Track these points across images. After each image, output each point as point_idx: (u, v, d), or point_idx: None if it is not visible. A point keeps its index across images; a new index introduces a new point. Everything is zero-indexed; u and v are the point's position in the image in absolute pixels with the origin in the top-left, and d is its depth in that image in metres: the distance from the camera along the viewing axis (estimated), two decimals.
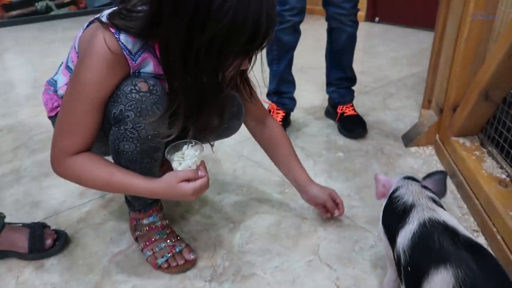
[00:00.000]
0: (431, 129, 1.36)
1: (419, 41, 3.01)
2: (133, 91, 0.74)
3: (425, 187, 0.75)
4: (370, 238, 0.99)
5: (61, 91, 0.86)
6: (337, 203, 1.03)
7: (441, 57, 1.35)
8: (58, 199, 1.18)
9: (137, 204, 0.94)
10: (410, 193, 0.73)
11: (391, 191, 0.79)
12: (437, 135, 1.36)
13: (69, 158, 0.76)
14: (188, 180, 0.75)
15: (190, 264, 0.91)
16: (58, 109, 0.84)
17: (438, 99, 1.36)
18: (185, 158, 0.79)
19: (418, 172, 1.24)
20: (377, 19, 3.78)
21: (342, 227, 1.03)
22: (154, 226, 0.95)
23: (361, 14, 3.77)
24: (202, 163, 0.80)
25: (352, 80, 1.58)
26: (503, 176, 1.02)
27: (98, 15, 0.75)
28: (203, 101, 0.76)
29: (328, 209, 1.03)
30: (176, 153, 0.81)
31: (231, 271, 0.90)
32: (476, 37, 1.12)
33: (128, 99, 0.73)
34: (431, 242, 0.61)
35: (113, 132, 0.78)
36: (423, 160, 1.32)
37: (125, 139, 0.77)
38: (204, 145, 0.82)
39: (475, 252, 0.58)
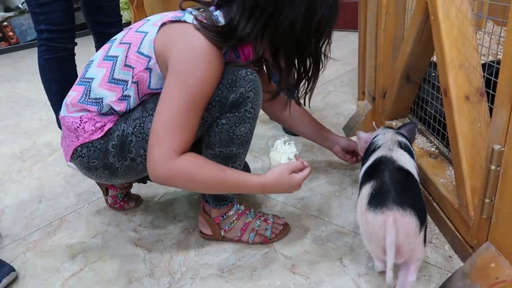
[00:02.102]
0: (367, 117, 1.45)
1: (350, 42, 3.17)
2: (248, 73, 0.80)
3: (399, 133, 0.93)
4: (321, 224, 1.03)
5: (116, 107, 0.83)
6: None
7: (366, 50, 1.44)
8: (2, 233, 1.12)
9: (223, 200, 0.97)
10: (383, 138, 0.91)
11: (372, 138, 0.96)
12: (373, 121, 1.44)
13: (177, 158, 0.75)
14: (295, 172, 0.83)
15: (287, 227, 1.01)
16: (102, 130, 0.85)
17: (369, 89, 1.45)
18: (284, 151, 0.88)
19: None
20: None
21: (294, 217, 1.07)
22: (241, 212, 0.99)
23: None
24: (299, 156, 0.90)
25: None
26: (433, 149, 1.10)
27: (174, 17, 0.79)
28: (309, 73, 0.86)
29: (354, 148, 1.16)
30: (271, 148, 0.90)
31: (189, 275, 0.90)
32: (392, 27, 1.21)
33: (247, 81, 0.80)
34: (373, 169, 0.81)
35: (228, 120, 0.82)
36: None
37: (242, 122, 0.83)
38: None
39: (399, 174, 0.77)
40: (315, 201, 1.13)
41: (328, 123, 1.64)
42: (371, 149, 0.91)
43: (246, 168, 1.10)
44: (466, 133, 0.80)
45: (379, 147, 0.89)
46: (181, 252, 0.98)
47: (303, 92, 0.90)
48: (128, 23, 4.60)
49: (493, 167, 0.67)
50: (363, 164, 0.90)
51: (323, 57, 0.84)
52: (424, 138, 1.17)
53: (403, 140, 0.91)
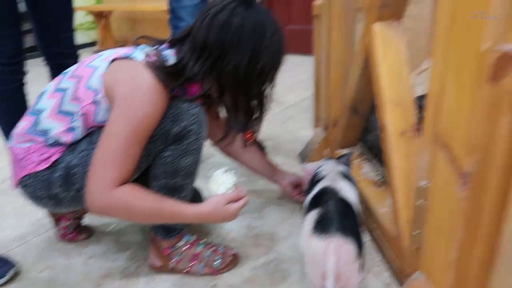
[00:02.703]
0: (321, 145, 1.50)
1: (313, 67, 3.28)
2: (191, 106, 0.84)
3: (340, 164, 1.00)
4: (271, 253, 1.05)
5: (63, 138, 0.85)
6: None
7: (321, 80, 1.50)
8: None
9: (172, 231, 0.97)
10: (326, 169, 0.96)
11: (316, 170, 1.01)
12: (327, 149, 1.49)
13: (115, 189, 0.76)
14: (232, 202, 0.87)
15: (236, 257, 1.02)
16: (48, 161, 0.85)
17: (323, 118, 1.50)
18: (222, 182, 0.90)
19: None
20: None
21: (245, 246, 1.09)
22: (191, 243, 1.00)
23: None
24: (237, 186, 0.93)
25: None
26: (378, 178, 1.16)
27: (124, 54, 0.82)
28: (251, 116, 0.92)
29: (301, 183, 1.19)
30: (210, 179, 0.92)
31: None
32: (343, 61, 1.28)
33: (190, 114, 0.83)
34: (318, 198, 0.86)
35: (171, 152, 0.84)
36: None
37: (186, 154, 0.85)
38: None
39: (342, 204, 0.82)
40: (267, 229, 1.16)
41: (285, 150, 1.69)
42: (315, 179, 0.95)
43: (197, 195, 1.12)
44: (401, 167, 0.85)
45: (323, 177, 0.93)
46: (130, 285, 0.97)
47: (250, 131, 0.95)
48: (95, 43, 4.57)
49: (419, 202, 0.72)
50: (308, 193, 0.94)
51: (266, 100, 0.90)
52: (371, 167, 1.22)
53: (345, 170, 0.97)
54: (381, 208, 1.00)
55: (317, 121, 1.67)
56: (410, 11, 1.02)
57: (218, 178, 0.90)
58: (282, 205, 1.28)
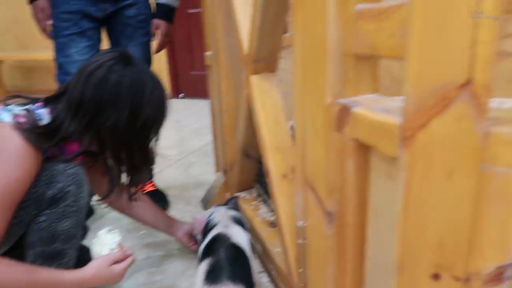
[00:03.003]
0: (222, 189, 1.52)
1: None
2: (68, 167, 0.80)
3: (231, 209, 1.02)
4: None
5: None
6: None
7: (216, 126, 1.55)
8: None
9: None
10: (218, 216, 0.97)
11: (207, 218, 1.01)
12: (227, 193, 1.52)
13: None
14: (117, 262, 0.83)
15: None
16: None
17: (221, 162, 1.54)
18: (106, 243, 0.86)
19: None
20: (182, 95, 4.08)
21: None
22: None
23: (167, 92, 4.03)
24: (122, 245, 0.88)
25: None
26: (273, 218, 1.20)
27: None
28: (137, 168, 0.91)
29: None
30: (93, 240, 0.87)
31: None
32: (232, 109, 1.33)
33: (66, 175, 0.80)
34: (210, 247, 0.86)
35: (47, 217, 0.78)
36: None
37: (64, 217, 0.80)
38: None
39: (233, 251, 0.83)
40: (167, 283, 1.12)
41: (189, 196, 1.68)
42: (208, 227, 0.96)
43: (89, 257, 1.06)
44: (285, 208, 0.90)
45: (215, 224, 0.94)
46: None
47: (135, 185, 0.94)
48: None
49: (300, 241, 0.77)
50: (202, 243, 0.94)
51: (151, 153, 0.91)
52: (267, 208, 1.27)
53: (236, 214, 0.99)
54: (275, 248, 1.04)
55: (217, 165, 1.70)
56: (285, 65, 1.12)
57: (102, 239, 0.87)
58: (182, 256, 1.26)
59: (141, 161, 0.90)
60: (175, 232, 1.20)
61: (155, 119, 0.86)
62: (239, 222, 0.96)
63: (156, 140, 0.91)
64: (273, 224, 1.17)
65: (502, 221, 0.42)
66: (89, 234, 1.21)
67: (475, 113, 0.40)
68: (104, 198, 0.97)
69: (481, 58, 0.38)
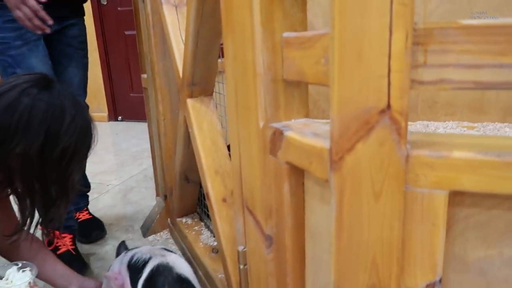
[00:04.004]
0: (162, 214, 1.47)
1: None
2: None
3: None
4: None
5: None
6: None
7: (155, 150, 1.51)
8: None
9: None
10: (145, 252, 0.88)
11: (126, 264, 0.89)
12: (168, 218, 1.47)
13: None
14: None
15: None
16: None
17: (161, 187, 1.49)
18: (14, 283, 0.73)
19: None
20: (120, 117, 3.95)
21: None
22: None
23: (104, 115, 3.88)
24: (34, 284, 0.76)
25: (87, 186, 1.57)
26: (215, 243, 1.18)
27: None
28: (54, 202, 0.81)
29: None
30: (1, 280, 0.74)
31: None
32: (171, 132, 1.31)
33: None
34: (151, 282, 0.81)
35: None
36: (161, 245, 1.40)
37: None
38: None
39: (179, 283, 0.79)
40: None
41: (128, 223, 1.61)
42: (139, 265, 0.86)
43: None
44: (226, 233, 0.89)
45: (150, 258, 0.86)
46: None
47: (52, 222, 0.86)
48: None
49: (241, 266, 0.75)
50: (136, 281, 0.84)
51: (72, 186, 0.82)
52: (209, 232, 1.25)
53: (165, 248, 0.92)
54: (218, 274, 1.02)
55: (157, 190, 1.65)
56: (221, 89, 1.12)
57: (12, 277, 0.75)
58: None
59: (58, 195, 0.81)
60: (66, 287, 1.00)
61: (76, 148, 0.78)
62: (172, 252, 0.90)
63: (79, 171, 0.83)
64: (216, 250, 1.14)
65: (428, 240, 0.44)
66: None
67: (395, 138, 0.42)
68: (8, 237, 0.83)
69: (396, 86, 0.41)
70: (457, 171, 0.41)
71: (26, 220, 0.81)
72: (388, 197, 0.44)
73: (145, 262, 0.87)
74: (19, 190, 0.78)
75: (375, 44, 0.40)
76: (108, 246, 1.44)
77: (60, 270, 1.00)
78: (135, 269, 0.87)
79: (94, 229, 1.49)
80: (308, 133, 0.52)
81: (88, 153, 0.84)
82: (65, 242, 1.32)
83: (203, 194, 1.30)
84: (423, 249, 0.45)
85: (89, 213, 1.56)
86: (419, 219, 0.44)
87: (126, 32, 3.59)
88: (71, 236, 1.35)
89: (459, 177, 0.41)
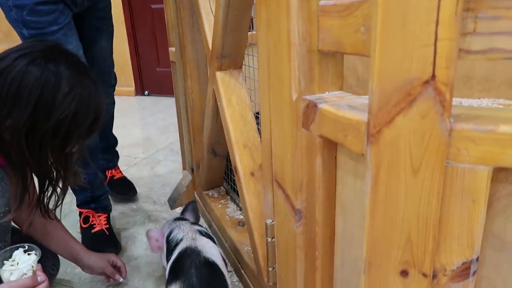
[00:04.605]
0: (189, 187, 1.49)
1: None
2: None
3: (193, 223, 0.96)
4: None
5: None
6: (118, 267, 1.05)
7: (182, 124, 1.52)
8: None
9: None
10: (181, 231, 0.91)
11: (165, 236, 0.94)
12: (195, 191, 1.49)
13: None
14: None
15: None
16: None
17: (188, 160, 1.51)
18: (19, 265, 0.73)
19: None
20: (146, 92, 3.98)
21: None
22: None
23: (131, 89, 3.93)
24: (39, 267, 0.75)
25: (115, 144, 1.66)
26: (242, 217, 1.19)
27: None
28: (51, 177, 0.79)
29: (109, 275, 1.04)
30: (5, 261, 0.74)
31: None
32: (199, 107, 1.31)
33: None
34: (179, 264, 0.81)
35: None
36: None
37: None
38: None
39: (206, 270, 0.80)
40: (137, 285, 1.09)
41: (155, 195, 1.64)
42: (172, 245, 0.90)
43: None
44: (254, 206, 0.89)
45: (181, 239, 0.89)
46: None
47: (53, 205, 0.84)
48: None
49: (269, 239, 0.76)
50: (168, 260, 0.89)
51: (70, 163, 0.79)
52: (235, 206, 1.26)
53: (202, 229, 0.95)
54: (244, 247, 1.03)
55: (184, 164, 1.67)
56: (251, 62, 1.10)
57: (17, 260, 0.75)
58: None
59: (56, 170, 0.77)
60: (82, 266, 1.03)
61: (73, 122, 0.72)
62: (207, 235, 0.92)
63: (79, 148, 0.79)
64: (242, 223, 1.15)
65: (467, 217, 0.43)
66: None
67: (439, 110, 0.40)
68: (14, 210, 0.79)
69: (443, 56, 0.38)
70: (502, 146, 0.39)
71: (23, 192, 0.77)
72: (427, 172, 0.42)
73: (177, 244, 0.88)
74: (16, 163, 0.74)
75: (422, 9, 0.38)
76: (137, 217, 1.47)
77: (73, 245, 1.02)
78: (168, 247, 0.91)
79: (131, 188, 1.62)
80: (343, 106, 0.51)
81: (93, 131, 0.78)
82: (100, 221, 1.34)
83: (230, 168, 1.31)
84: (461, 226, 0.44)
85: (121, 171, 1.65)
86: (459, 195, 0.43)
87: (153, 6, 3.58)
88: (105, 215, 1.37)
89: (505, 152, 0.39)
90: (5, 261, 0.74)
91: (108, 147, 1.62)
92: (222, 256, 0.88)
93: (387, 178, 0.45)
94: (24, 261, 0.74)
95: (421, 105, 0.40)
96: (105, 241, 1.27)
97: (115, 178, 1.64)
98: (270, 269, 0.78)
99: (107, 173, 1.64)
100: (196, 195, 1.48)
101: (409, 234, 0.46)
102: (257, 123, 0.91)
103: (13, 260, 0.75)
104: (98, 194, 1.38)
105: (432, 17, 0.37)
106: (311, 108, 0.55)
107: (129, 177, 1.81)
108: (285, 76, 0.58)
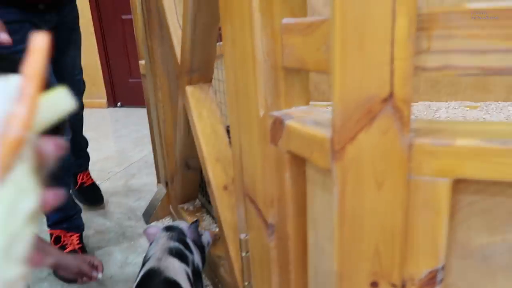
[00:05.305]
0: (163, 201, 1.48)
1: None
2: None
3: (173, 238, 0.91)
4: None
5: None
6: (96, 266, 1.00)
7: (155, 137, 1.50)
8: None
9: None
10: (154, 247, 0.89)
11: (149, 246, 0.93)
12: (170, 205, 1.48)
13: None
14: None
15: None
16: None
17: (162, 174, 1.49)
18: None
19: None
20: (119, 104, 3.93)
21: None
22: None
23: (103, 101, 3.86)
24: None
25: (86, 145, 1.64)
26: (217, 229, 1.18)
27: None
28: None
29: (85, 273, 0.97)
30: None
31: None
32: (171, 119, 1.30)
33: None
34: (139, 285, 0.82)
35: None
36: None
37: None
38: None
39: (165, 286, 0.79)
40: None
41: (129, 210, 1.61)
42: (144, 260, 0.89)
43: None
44: (228, 220, 0.89)
45: (149, 258, 0.88)
46: None
47: None
48: None
49: (244, 254, 0.76)
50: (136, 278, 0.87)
51: None
52: (211, 219, 1.25)
53: (175, 245, 0.90)
54: (220, 261, 1.02)
55: (158, 177, 1.65)
56: (219, 76, 1.10)
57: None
58: None
59: None
60: (57, 269, 1.00)
61: None
62: (177, 253, 0.89)
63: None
64: (218, 236, 1.15)
65: (431, 228, 0.44)
66: None
67: (398, 126, 0.41)
68: None
69: (399, 74, 0.40)
70: (460, 158, 0.41)
71: None
72: (391, 186, 0.44)
73: (145, 261, 0.87)
74: None
75: (378, 31, 0.39)
76: (111, 234, 1.45)
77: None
78: (145, 257, 0.91)
79: (99, 196, 1.65)
80: (309, 122, 0.52)
81: None
82: (72, 241, 1.31)
83: (204, 181, 1.31)
84: (425, 237, 0.45)
85: (91, 176, 1.65)
86: (422, 207, 0.44)
87: (123, 16, 3.54)
88: (77, 235, 1.33)
89: (463, 164, 0.41)
90: None
91: (79, 150, 1.59)
92: (189, 276, 0.85)
93: (352, 192, 0.45)
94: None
95: (381, 122, 0.42)
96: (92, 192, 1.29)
97: (85, 185, 1.63)
98: (246, 283, 0.78)
99: (78, 178, 1.62)
100: (171, 209, 1.47)
101: (377, 246, 0.47)
102: (229, 137, 0.91)
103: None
104: (71, 214, 1.34)
105: (387, 38, 0.39)
106: (278, 124, 0.55)
107: (102, 191, 1.77)
108: (251, 92, 0.58)
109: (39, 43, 0.24)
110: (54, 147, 0.24)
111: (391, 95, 0.40)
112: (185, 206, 1.35)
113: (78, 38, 1.35)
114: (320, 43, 0.47)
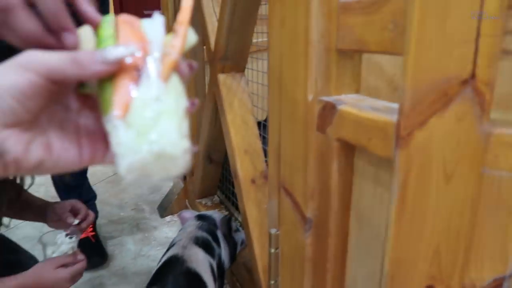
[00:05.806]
0: (180, 195, 1.45)
1: None
2: None
3: (202, 228, 0.89)
4: None
5: None
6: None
7: None
8: None
9: None
10: (181, 233, 0.88)
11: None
12: (186, 200, 1.44)
13: None
14: (64, 266, 0.73)
15: None
16: None
17: None
18: (61, 246, 0.79)
19: None
20: None
21: None
22: None
23: None
24: (78, 250, 0.80)
25: (93, 196, 1.49)
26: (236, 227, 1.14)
27: None
28: None
29: (77, 210, 0.89)
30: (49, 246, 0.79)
31: None
32: (196, 111, 1.27)
33: None
34: (161, 270, 0.78)
35: None
36: (178, 226, 1.38)
37: None
38: None
39: (185, 279, 0.76)
40: None
41: (143, 204, 1.58)
42: (172, 244, 0.86)
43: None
44: (254, 215, 0.85)
45: (174, 244, 0.85)
46: None
47: None
48: None
49: (272, 250, 0.72)
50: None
51: None
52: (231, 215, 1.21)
53: (203, 235, 0.87)
54: (239, 258, 0.98)
55: None
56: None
57: (60, 243, 0.79)
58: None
59: None
60: (49, 216, 0.89)
61: None
62: (202, 244, 0.85)
63: None
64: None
65: (502, 230, 0.40)
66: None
67: (477, 112, 0.37)
68: None
69: (485, 52, 0.36)
70: None
71: None
72: (461, 180, 0.39)
73: (170, 247, 0.84)
74: None
75: (464, 3, 0.35)
76: (125, 225, 1.42)
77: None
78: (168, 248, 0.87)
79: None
80: (365, 107, 0.48)
81: None
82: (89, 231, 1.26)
83: (225, 177, 1.27)
84: (494, 239, 0.41)
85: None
86: (494, 206, 0.40)
87: (146, 12, 3.54)
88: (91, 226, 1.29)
89: None
90: (48, 246, 0.80)
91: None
92: (212, 268, 0.82)
93: (416, 184, 0.41)
94: (64, 243, 0.80)
95: (458, 106, 0.37)
96: (90, 249, 1.20)
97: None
98: (272, 282, 0.73)
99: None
100: (187, 203, 1.44)
101: (438, 247, 0.42)
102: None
103: (56, 243, 0.81)
104: (85, 199, 1.31)
105: (475, 11, 0.35)
106: (329, 109, 0.52)
107: (116, 182, 1.75)
108: (300, 76, 0.54)
109: (187, 2, 0.34)
110: (188, 67, 0.35)
111: (473, 76, 0.36)
112: (203, 201, 1.32)
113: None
114: (387, 21, 0.44)
